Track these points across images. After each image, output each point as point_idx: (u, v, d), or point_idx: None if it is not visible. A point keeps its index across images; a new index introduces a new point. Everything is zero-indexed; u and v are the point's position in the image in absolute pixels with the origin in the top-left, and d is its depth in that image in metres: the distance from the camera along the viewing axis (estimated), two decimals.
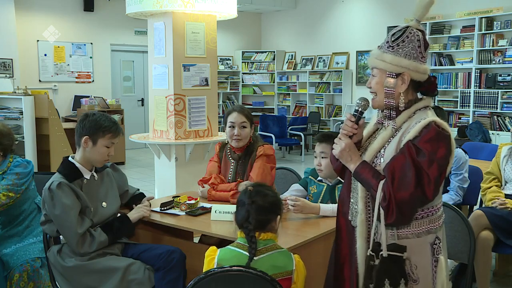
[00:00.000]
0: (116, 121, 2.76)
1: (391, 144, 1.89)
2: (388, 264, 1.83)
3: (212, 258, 2.05)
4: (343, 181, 2.14)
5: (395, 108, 1.92)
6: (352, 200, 2.01)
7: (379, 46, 1.95)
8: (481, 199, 4.16)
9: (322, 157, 2.91)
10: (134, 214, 2.81)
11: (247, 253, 2.01)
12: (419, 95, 1.97)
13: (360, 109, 1.97)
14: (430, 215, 1.90)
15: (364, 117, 2.02)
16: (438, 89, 2.15)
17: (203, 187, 3.24)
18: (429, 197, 1.79)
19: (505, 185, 3.59)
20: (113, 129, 2.67)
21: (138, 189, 3.10)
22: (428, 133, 1.80)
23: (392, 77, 1.89)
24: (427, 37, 1.89)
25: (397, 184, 1.78)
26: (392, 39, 1.89)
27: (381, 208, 1.82)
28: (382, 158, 1.89)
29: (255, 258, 1.99)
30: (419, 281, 1.89)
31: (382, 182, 1.82)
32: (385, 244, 1.84)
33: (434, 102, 8.54)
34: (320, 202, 2.89)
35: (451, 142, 1.83)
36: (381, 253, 1.84)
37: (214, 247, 2.11)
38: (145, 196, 3.05)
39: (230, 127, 3.21)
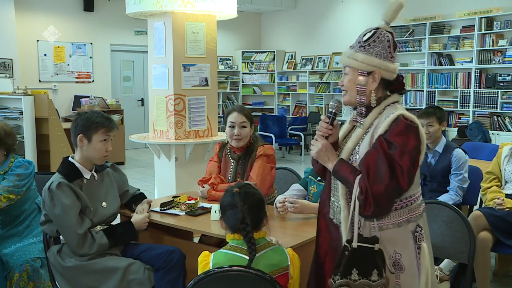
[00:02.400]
0: (109, 116, 2.76)
1: (365, 141, 1.95)
2: (357, 254, 1.89)
3: (207, 263, 2.05)
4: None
5: (366, 105, 1.99)
6: (333, 199, 2.06)
7: (351, 46, 2.02)
8: (481, 199, 4.16)
9: None
10: (138, 222, 2.79)
11: (242, 255, 2.01)
12: (388, 94, 2.05)
13: (333, 111, 2.05)
14: (409, 204, 1.96)
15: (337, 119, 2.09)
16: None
17: (203, 187, 3.24)
18: (403, 187, 1.87)
19: (505, 185, 3.59)
20: (105, 124, 2.66)
21: (139, 189, 3.09)
22: (398, 127, 1.87)
23: (363, 75, 1.97)
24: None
25: (372, 177, 1.85)
26: (364, 39, 1.97)
27: (357, 202, 1.89)
28: (357, 155, 1.95)
29: None
30: (405, 269, 1.95)
31: (358, 177, 1.89)
32: (356, 235, 1.90)
33: (434, 102, 8.55)
34: None
35: (420, 132, 1.90)
36: (351, 243, 1.90)
37: (206, 252, 2.11)
38: (145, 197, 3.04)
39: (230, 127, 3.22)
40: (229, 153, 3.32)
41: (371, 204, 1.85)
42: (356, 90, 1.97)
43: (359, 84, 1.96)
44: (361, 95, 1.96)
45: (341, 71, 10.20)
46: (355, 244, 1.89)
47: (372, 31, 1.96)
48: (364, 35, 1.97)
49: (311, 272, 2.20)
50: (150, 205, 2.98)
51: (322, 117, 2.04)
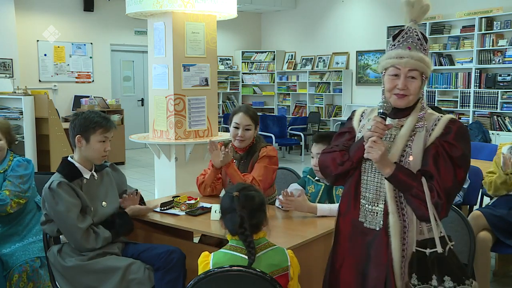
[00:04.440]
0: (107, 116, 2.76)
1: (417, 142, 1.94)
2: (450, 258, 1.93)
3: (207, 263, 2.05)
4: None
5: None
6: (363, 201, 2.02)
7: (409, 47, 1.93)
8: (481, 199, 4.17)
9: None
10: (132, 209, 2.83)
11: (242, 255, 2.01)
12: None
13: (387, 111, 1.96)
14: None
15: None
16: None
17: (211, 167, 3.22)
18: (463, 185, 1.98)
19: None
20: (103, 124, 2.66)
21: (136, 190, 3.08)
22: (456, 129, 1.92)
23: (423, 79, 1.97)
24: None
25: (443, 180, 1.88)
26: (425, 41, 1.95)
27: (430, 206, 1.88)
28: (410, 156, 1.93)
29: None
30: None
31: (424, 182, 1.89)
32: (438, 239, 1.93)
33: (435, 102, 8.56)
34: (318, 202, 2.91)
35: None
36: (448, 246, 1.93)
37: (206, 253, 2.11)
38: (142, 198, 3.02)
39: (234, 127, 3.21)
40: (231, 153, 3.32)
41: (445, 205, 1.89)
42: (418, 94, 1.96)
43: (422, 88, 1.97)
44: (421, 97, 1.98)
45: (341, 71, 10.37)
46: (450, 245, 1.95)
47: (420, 32, 1.95)
48: (422, 35, 1.94)
49: (325, 279, 2.16)
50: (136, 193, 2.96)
51: (376, 118, 1.92)
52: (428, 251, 1.90)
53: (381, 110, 1.94)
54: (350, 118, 2.17)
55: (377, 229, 1.97)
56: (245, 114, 3.20)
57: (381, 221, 1.96)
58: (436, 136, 1.91)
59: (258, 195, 2.13)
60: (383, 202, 1.96)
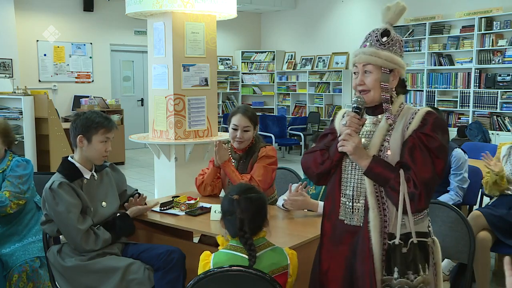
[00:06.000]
0: (108, 116, 2.76)
1: (394, 136, 1.96)
2: (408, 251, 1.93)
3: (207, 262, 2.05)
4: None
5: (389, 101, 2.01)
6: (343, 199, 2.03)
7: (365, 45, 2.01)
8: (480, 199, 4.17)
9: None
10: (133, 211, 2.84)
11: (242, 255, 2.01)
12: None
13: (360, 106, 2.00)
14: None
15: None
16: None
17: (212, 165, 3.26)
18: (440, 176, 1.93)
19: None
20: (105, 124, 2.66)
21: (136, 190, 3.08)
22: (432, 120, 1.93)
23: (386, 72, 1.98)
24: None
25: (420, 170, 1.88)
26: (382, 39, 1.99)
27: (406, 198, 1.89)
28: (388, 151, 1.95)
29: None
30: None
31: (402, 172, 1.89)
32: (414, 231, 1.95)
33: (434, 102, 8.56)
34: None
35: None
36: (411, 240, 1.93)
37: (208, 252, 2.11)
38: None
39: (233, 129, 3.21)
40: (230, 153, 3.32)
41: (423, 196, 1.88)
42: (380, 88, 1.98)
43: (384, 82, 1.97)
44: (386, 92, 1.98)
45: (340, 71, 10.37)
46: (415, 239, 1.93)
47: (385, 31, 1.99)
48: (381, 34, 1.98)
49: (313, 280, 2.15)
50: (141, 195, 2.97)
51: (350, 113, 1.98)
52: (390, 242, 1.92)
53: (355, 105, 2.00)
54: (332, 120, 2.21)
55: (361, 225, 1.98)
56: (243, 115, 3.19)
57: (362, 217, 1.98)
58: (413, 129, 1.93)
59: (259, 197, 2.12)
60: (364, 198, 1.98)
